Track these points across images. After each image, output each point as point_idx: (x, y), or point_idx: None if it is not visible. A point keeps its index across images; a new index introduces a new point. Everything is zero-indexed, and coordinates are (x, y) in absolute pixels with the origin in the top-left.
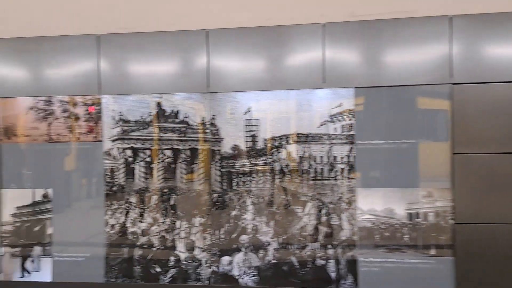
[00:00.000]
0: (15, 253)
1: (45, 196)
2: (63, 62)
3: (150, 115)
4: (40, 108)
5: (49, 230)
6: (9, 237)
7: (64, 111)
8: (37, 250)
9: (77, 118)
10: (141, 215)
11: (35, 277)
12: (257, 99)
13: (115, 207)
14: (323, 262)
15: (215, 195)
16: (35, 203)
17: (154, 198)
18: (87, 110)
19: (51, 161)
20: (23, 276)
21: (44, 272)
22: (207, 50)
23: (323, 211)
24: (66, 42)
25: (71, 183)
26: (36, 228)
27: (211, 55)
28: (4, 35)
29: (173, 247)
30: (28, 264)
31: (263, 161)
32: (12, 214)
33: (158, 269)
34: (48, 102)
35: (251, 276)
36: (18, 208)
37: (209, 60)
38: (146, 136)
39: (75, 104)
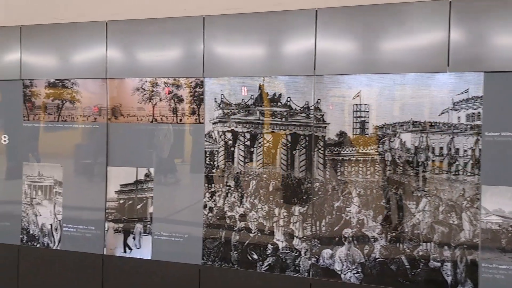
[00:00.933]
0: (118, 229)
1: (147, 175)
2: (169, 44)
3: (251, 98)
4: (146, 89)
5: (150, 209)
6: (113, 213)
7: (168, 92)
8: (138, 227)
9: (180, 100)
10: (239, 200)
11: (135, 253)
12: (369, 83)
13: (213, 189)
14: (437, 264)
15: (317, 184)
16: (138, 182)
17: (253, 183)
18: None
19: (154, 142)
20: (125, 252)
21: (144, 250)
22: (315, 31)
23: (441, 208)
24: (172, 25)
25: (172, 163)
26: (138, 206)
27: (318, 35)
28: (113, 18)
29: (272, 235)
30: (130, 241)
31: (372, 150)
32: (117, 191)
33: (255, 256)
34: (154, 84)
35: (354, 273)
36: (122, 185)
37: (316, 41)
38: (247, 119)
39: (178, 86)
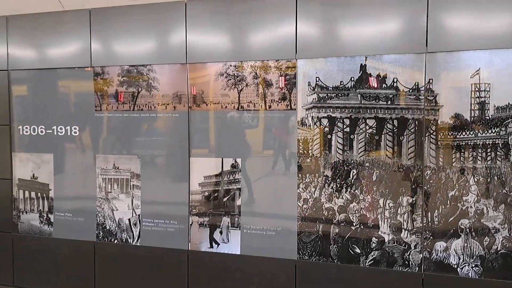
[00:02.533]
0: (204, 223)
1: (233, 166)
2: (258, 24)
3: (352, 80)
4: (230, 74)
5: (238, 201)
6: (197, 206)
7: (256, 77)
8: (225, 221)
9: (269, 85)
10: (338, 191)
11: (223, 248)
12: (489, 59)
13: (308, 180)
14: None
15: (428, 172)
16: (223, 173)
17: (353, 173)
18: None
19: (240, 130)
20: (211, 247)
21: (232, 244)
22: (427, 2)
23: None
24: (264, 3)
25: (260, 153)
26: (225, 199)
27: (430, 8)
28: None
29: (376, 227)
30: (217, 235)
31: (493, 134)
32: (200, 183)
33: (358, 250)
34: (239, 68)
35: (473, 267)
36: (206, 177)
37: (428, 15)
38: (346, 104)
39: (267, 69)
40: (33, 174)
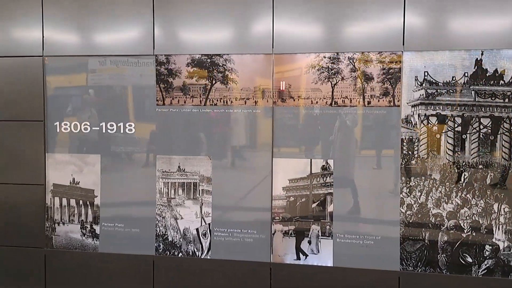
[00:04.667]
0: (289, 232)
1: (324, 168)
2: (359, 12)
3: (465, 76)
4: (323, 66)
5: (330, 207)
6: (281, 213)
7: (354, 70)
8: (315, 229)
9: (369, 79)
10: (448, 195)
11: (312, 260)
12: None
13: (413, 184)
14: None
15: None
16: (312, 176)
17: (465, 175)
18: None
19: (332, 128)
20: (298, 259)
21: (324, 255)
22: None
23: None
24: None
25: (357, 154)
26: (314, 205)
27: None
28: None
29: (490, 234)
30: (305, 245)
31: None
32: (285, 187)
33: (469, 259)
34: (334, 60)
35: None
36: (292, 180)
37: None
38: (458, 101)
39: (367, 62)
40: (73, 179)
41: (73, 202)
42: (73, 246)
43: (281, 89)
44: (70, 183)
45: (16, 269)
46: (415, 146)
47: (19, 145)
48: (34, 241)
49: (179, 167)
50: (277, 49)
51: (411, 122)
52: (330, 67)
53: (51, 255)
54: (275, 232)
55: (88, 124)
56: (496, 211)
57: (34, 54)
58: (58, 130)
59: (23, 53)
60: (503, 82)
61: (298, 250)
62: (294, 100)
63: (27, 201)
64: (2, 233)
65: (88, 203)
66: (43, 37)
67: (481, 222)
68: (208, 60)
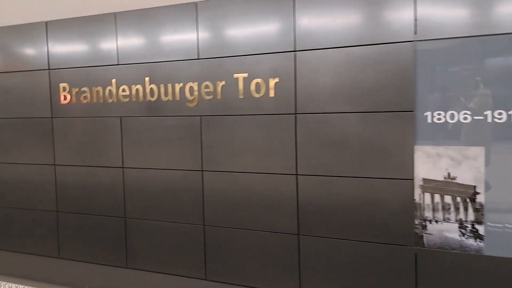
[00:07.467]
0: None
1: None
2: None
3: None
4: None
5: None
6: None
7: None
8: None
9: None
10: None
11: None
12: None
13: None
14: None
15: None
16: None
17: None
18: None
19: None
20: None
21: None
22: None
23: None
24: None
25: None
26: None
27: None
28: None
29: None
30: None
31: None
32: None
33: None
34: None
35: None
36: None
37: None
38: None
39: None
40: (449, 173)
41: (448, 199)
42: (449, 246)
43: None
44: (445, 178)
45: (385, 268)
46: None
47: (386, 137)
48: (402, 239)
49: None
50: None
51: None
52: None
53: (423, 255)
54: None
55: (469, 113)
56: None
57: (404, 40)
58: (429, 121)
59: (393, 39)
60: None
61: None
62: None
63: (394, 197)
64: (370, 229)
65: (467, 200)
66: (415, 19)
67: None
68: None
